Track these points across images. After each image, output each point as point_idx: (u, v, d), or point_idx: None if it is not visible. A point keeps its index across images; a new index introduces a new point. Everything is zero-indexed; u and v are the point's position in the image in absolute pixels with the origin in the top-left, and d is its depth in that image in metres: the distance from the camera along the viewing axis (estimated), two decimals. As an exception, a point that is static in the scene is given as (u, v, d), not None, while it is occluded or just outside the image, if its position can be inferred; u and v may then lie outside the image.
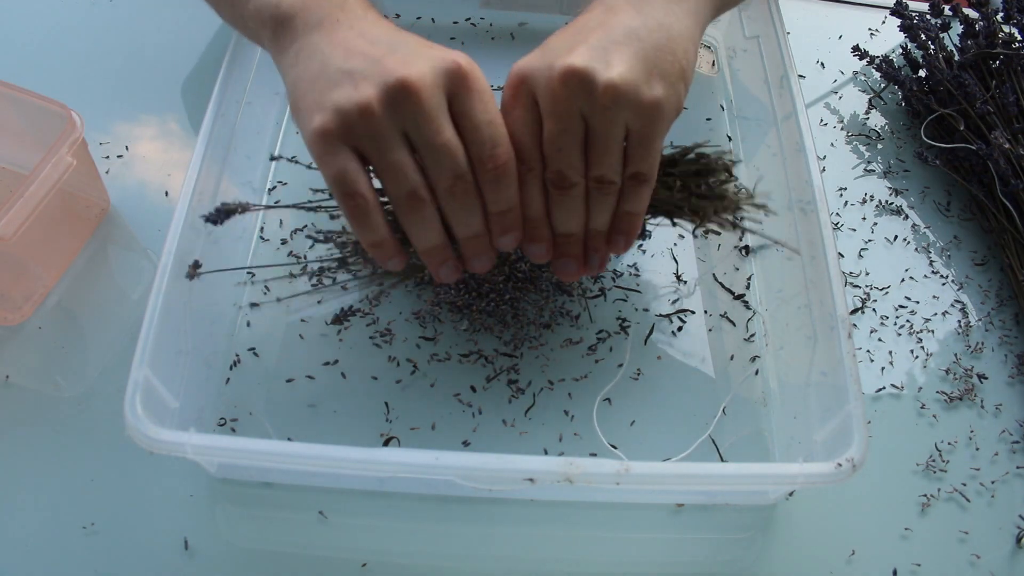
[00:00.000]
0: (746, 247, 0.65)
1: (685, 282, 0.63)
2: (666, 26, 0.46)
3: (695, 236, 0.65)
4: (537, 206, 0.47)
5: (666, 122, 0.45)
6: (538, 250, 0.48)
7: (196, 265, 0.50)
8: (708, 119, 0.73)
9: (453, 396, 0.57)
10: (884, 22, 0.83)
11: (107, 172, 0.66)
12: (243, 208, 0.48)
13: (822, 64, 0.80)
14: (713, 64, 0.76)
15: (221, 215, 0.48)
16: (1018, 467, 0.57)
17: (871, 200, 0.70)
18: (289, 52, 0.46)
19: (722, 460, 0.55)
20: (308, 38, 0.45)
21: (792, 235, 0.58)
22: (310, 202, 0.53)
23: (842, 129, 0.75)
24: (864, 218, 0.69)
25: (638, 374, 0.59)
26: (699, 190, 0.51)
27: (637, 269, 0.63)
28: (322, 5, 0.46)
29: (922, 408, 0.59)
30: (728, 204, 0.51)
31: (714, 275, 0.64)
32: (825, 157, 0.73)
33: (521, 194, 0.46)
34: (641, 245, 0.64)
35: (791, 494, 0.54)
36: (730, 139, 0.72)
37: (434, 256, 0.47)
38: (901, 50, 0.79)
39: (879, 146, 0.74)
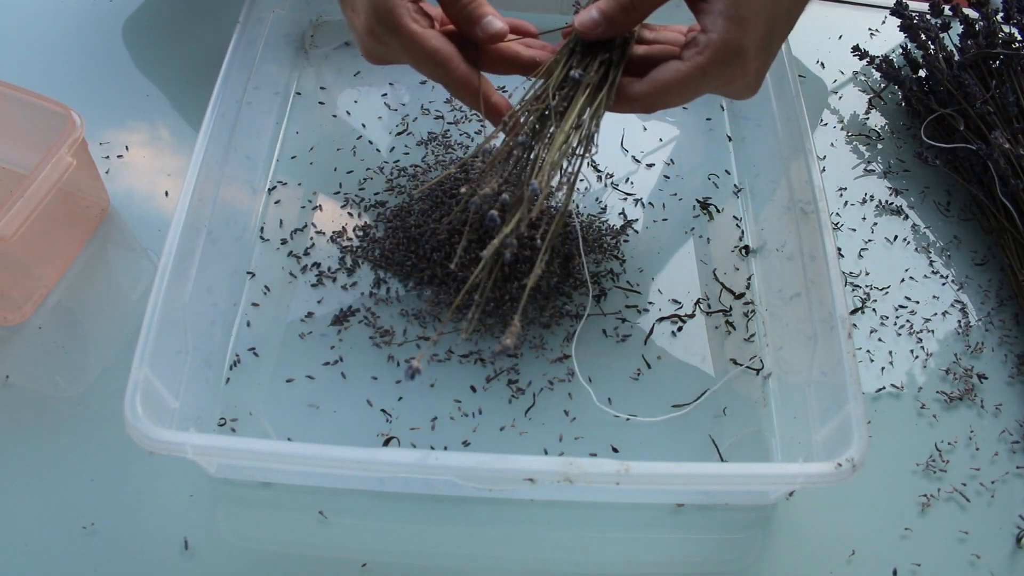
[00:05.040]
0: (746, 247, 0.65)
1: (685, 282, 0.63)
2: None
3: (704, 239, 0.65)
4: None
5: None
6: None
7: None
8: (708, 119, 0.73)
9: (453, 396, 0.57)
10: (884, 22, 0.83)
11: (107, 172, 0.66)
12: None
13: (822, 64, 0.80)
14: (713, 64, 0.76)
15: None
16: (1018, 467, 0.57)
17: (871, 200, 0.70)
18: None
19: (722, 460, 0.55)
20: None
21: (792, 235, 0.58)
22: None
23: (842, 129, 0.75)
24: (864, 218, 0.69)
25: (638, 374, 0.59)
26: None
27: (638, 269, 0.63)
28: None
29: (922, 408, 0.59)
30: None
31: (714, 274, 0.64)
32: (825, 157, 0.73)
33: None
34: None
35: (791, 494, 0.54)
36: (730, 139, 0.72)
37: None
38: (901, 50, 0.79)
39: (879, 146, 0.74)
